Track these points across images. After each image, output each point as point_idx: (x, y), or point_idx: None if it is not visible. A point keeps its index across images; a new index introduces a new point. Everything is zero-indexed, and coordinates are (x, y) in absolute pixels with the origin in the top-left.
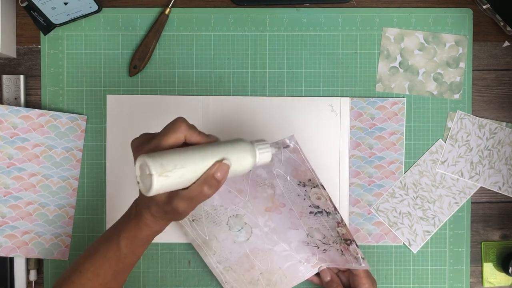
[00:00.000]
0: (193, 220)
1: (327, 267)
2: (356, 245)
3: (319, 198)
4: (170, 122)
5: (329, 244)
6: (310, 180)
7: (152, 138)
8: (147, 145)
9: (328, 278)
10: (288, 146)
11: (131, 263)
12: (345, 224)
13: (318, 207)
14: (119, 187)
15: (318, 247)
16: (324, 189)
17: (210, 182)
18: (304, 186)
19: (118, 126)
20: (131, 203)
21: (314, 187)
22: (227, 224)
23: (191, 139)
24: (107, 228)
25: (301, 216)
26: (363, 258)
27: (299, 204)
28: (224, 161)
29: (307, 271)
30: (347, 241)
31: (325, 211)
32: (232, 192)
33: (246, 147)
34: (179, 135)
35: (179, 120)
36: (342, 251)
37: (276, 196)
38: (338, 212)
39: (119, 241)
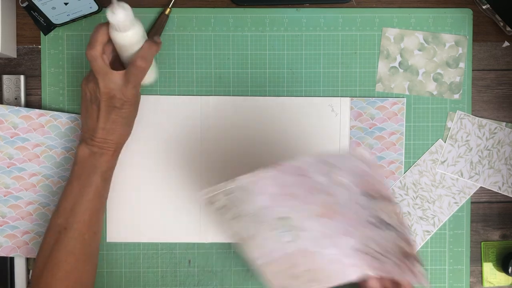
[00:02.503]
0: (233, 218)
1: (376, 275)
2: (417, 260)
3: (387, 213)
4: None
5: (384, 255)
6: (380, 194)
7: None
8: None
9: (376, 286)
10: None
11: (106, 196)
12: (413, 244)
13: (381, 220)
14: (119, 187)
15: (372, 256)
16: (398, 207)
17: (153, 43)
18: (370, 197)
19: None
20: (131, 202)
21: (384, 201)
22: (271, 225)
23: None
24: (107, 228)
25: (358, 224)
26: (421, 273)
27: (357, 212)
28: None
29: (355, 274)
30: (407, 255)
31: (390, 225)
32: (283, 195)
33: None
34: (104, 38)
35: (98, 28)
36: (397, 263)
37: (334, 204)
38: (408, 232)
39: (98, 178)
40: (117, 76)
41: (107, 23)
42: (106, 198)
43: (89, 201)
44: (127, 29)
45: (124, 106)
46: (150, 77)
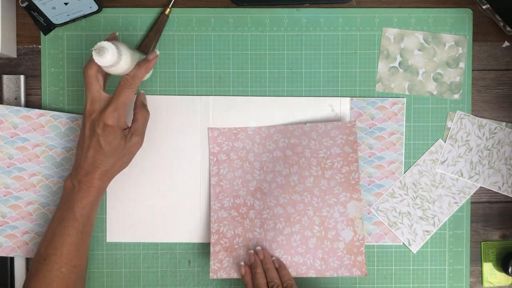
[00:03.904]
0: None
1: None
2: None
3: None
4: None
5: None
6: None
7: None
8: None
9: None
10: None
11: (89, 232)
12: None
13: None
14: (119, 186)
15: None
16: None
17: (144, 64)
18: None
19: None
20: (131, 202)
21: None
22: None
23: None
24: (107, 228)
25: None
26: None
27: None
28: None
29: None
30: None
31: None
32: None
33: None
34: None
35: (86, 74)
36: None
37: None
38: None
39: (75, 213)
40: (103, 97)
41: None
42: (89, 233)
43: (68, 235)
44: (116, 63)
45: (106, 132)
46: (130, 68)
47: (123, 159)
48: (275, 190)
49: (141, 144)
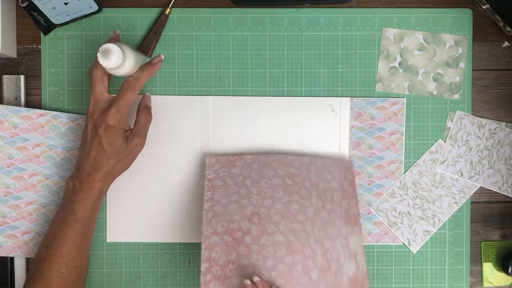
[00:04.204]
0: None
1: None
2: None
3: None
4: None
5: None
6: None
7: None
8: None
9: None
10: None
11: (90, 233)
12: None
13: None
14: (119, 186)
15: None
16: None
17: (148, 67)
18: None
19: None
20: (131, 202)
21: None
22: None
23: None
24: (107, 228)
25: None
26: None
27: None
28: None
29: None
30: None
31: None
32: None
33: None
34: (102, 84)
35: (92, 77)
36: None
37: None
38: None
39: (75, 214)
40: (106, 98)
41: None
42: (90, 235)
43: (68, 235)
44: (121, 65)
45: (107, 133)
46: (134, 70)
47: (125, 160)
48: (275, 216)
49: (142, 146)
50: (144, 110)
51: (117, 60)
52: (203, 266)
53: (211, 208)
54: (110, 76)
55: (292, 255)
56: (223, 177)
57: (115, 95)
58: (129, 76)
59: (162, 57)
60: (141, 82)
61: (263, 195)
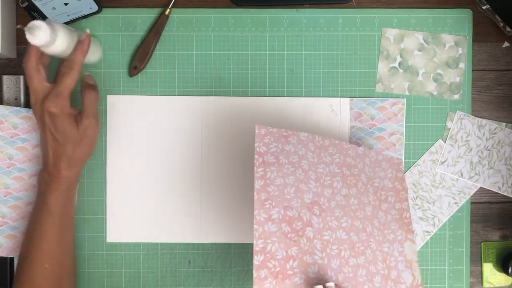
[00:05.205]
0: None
1: None
2: None
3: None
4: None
5: None
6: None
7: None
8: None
9: None
10: None
11: (68, 225)
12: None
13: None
14: (119, 187)
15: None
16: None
17: (78, 46)
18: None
19: (118, 126)
20: (131, 202)
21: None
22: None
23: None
24: (107, 228)
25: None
26: None
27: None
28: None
29: None
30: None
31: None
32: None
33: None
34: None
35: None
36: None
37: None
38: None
39: (49, 206)
40: (46, 87)
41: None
42: (68, 227)
43: (45, 231)
44: (51, 43)
45: (53, 121)
46: (94, 56)
47: (82, 144)
48: (336, 210)
49: (96, 126)
50: (86, 88)
51: (45, 36)
52: (256, 259)
53: (264, 188)
54: (46, 65)
55: (356, 257)
56: (275, 153)
57: (54, 83)
58: (64, 60)
59: (88, 31)
60: (77, 64)
61: (322, 183)
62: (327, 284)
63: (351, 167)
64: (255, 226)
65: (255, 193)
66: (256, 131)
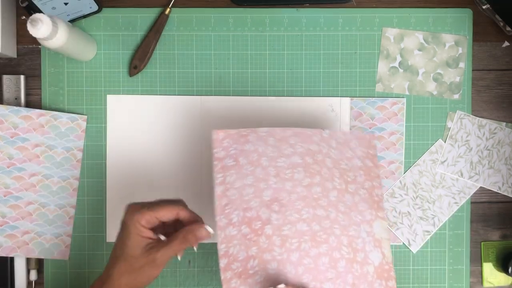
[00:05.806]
0: None
1: None
2: None
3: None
4: (171, 200)
5: None
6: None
7: (150, 204)
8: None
9: None
10: None
11: None
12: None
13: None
14: (119, 187)
15: None
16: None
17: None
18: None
19: (118, 126)
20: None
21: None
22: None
23: (181, 216)
24: (107, 228)
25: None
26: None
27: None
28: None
29: None
30: None
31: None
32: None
33: None
34: (174, 210)
35: (180, 203)
36: None
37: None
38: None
39: None
40: (137, 255)
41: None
42: None
43: None
44: (52, 36)
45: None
46: (89, 53)
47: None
48: (296, 202)
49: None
50: (182, 243)
51: (47, 29)
52: (222, 262)
53: (224, 194)
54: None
55: (318, 246)
56: (234, 155)
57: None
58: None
59: (212, 232)
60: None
61: (282, 177)
62: (278, 286)
63: (315, 153)
64: (218, 232)
65: (216, 200)
66: (214, 137)
